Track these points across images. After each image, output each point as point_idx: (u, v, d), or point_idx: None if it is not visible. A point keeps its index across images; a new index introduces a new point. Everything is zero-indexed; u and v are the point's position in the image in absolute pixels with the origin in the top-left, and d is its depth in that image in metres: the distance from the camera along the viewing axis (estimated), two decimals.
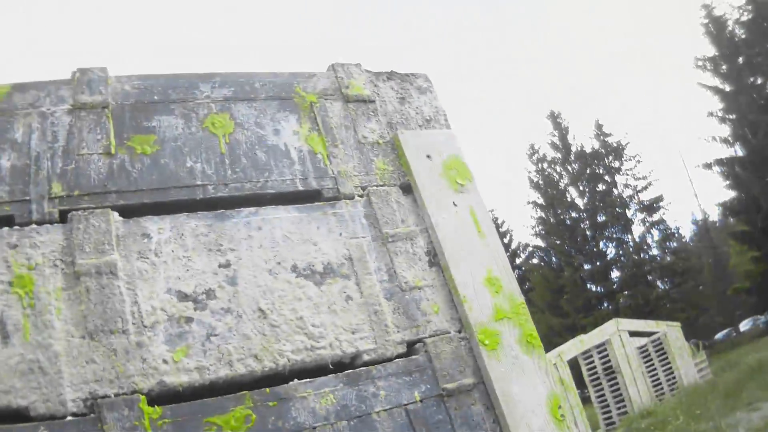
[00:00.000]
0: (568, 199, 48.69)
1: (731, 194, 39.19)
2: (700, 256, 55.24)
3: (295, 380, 2.08)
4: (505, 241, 53.88)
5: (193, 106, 2.39)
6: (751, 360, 21.67)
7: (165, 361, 1.96)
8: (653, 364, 22.63)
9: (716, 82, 39.21)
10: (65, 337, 1.90)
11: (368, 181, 2.51)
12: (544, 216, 49.50)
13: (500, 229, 53.73)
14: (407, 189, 2.55)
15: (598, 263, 46.51)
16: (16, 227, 2.00)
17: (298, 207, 2.36)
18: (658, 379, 22.46)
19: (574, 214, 48.29)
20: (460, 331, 2.37)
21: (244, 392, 1.99)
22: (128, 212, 2.14)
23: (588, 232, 47.62)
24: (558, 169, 49.92)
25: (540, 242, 50.64)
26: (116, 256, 2.03)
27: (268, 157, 2.40)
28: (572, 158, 49.27)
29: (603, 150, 48.85)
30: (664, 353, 22.56)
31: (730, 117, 38.44)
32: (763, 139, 36.41)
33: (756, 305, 40.78)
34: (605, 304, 45.34)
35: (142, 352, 1.95)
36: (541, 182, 49.89)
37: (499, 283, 2.45)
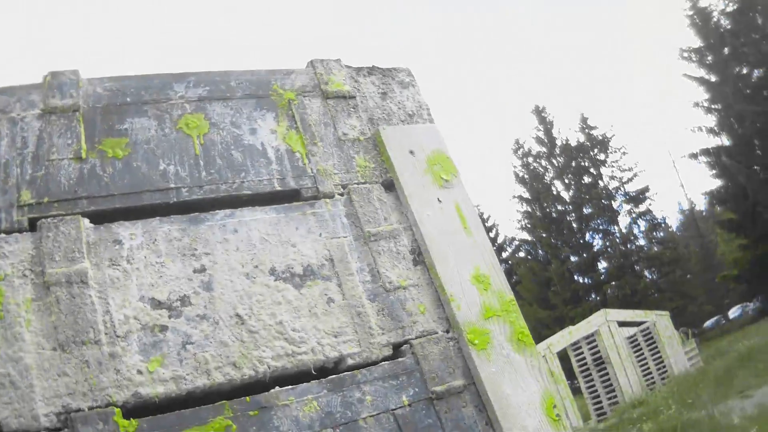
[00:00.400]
0: (554, 193, 48.79)
1: (718, 183, 39.30)
2: (688, 245, 55.51)
3: (277, 387, 2.01)
4: (491, 235, 53.92)
5: (167, 106, 2.32)
6: (741, 347, 21.73)
7: (140, 372, 1.90)
8: (643, 354, 22.65)
9: (702, 72, 39.30)
10: (36, 349, 1.84)
11: (349, 179, 2.44)
12: (530, 210, 49.58)
13: (486, 224, 53.81)
14: (390, 186, 2.49)
15: (584, 255, 46.63)
16: None
17: (276, 207, 2.29)
18: (649, 368, 22.49)
19: (560, 207, 48.40)
20: (448, 331, 2.30)
21: (223, 402, 1.93)
22: (100, 218, 2.08)
23: (574, 225, 47.76)
24: (543, 163, 49.99)
25: (526, 236, 50.65)
26: (87, 264, 1.97)
27: (245, 157, 2.33)
28: (557, 152, 49.35)
29: (588, 143, 48.94)
30: (654, 342, 22.59)
31: (716, 107, 38.52)
32: (749, 128, 36.53)
33: (745, 292, 41.01)
34: (593, 296, 45.51)
35: (116, 363, 1.89)
36: (526, 176, 49.95)
37: (487, 280, 2.39)
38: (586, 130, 49.38)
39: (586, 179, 48.11)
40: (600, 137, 48.94)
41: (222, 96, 2.43)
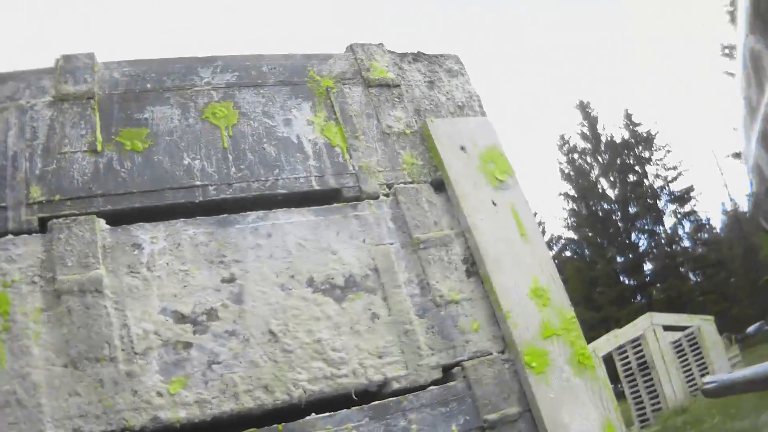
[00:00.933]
0: (599, 191, 48.38)
1: None
2: (732, 246, 54.65)
3: (313, 414, 1.79)
4: None
5: (192, 94, 2.11)
6: None
7: (159, 394, 1.71)
8: (687, 360, 22.26)
9: None
10: (45, 365, 1.66)
11: (395, 178, 2.21)
12: (575, 207, 49.22)
13: None
14: (440, 186, 2.25)
15: (630, 255, 46.22)
16: None
17: (314, 209, 2.07)
18: (692, 374, 22.07)
19: (605, 206, 48.04)
20: (503, 352, 2.06)
21: (252, 429, 1.71)
22: (116, 219, 1.88)
23: (620, 224, 47.34)
24: (588, 159, 49.63)
25: (572, 234, 50.30)
26: (102, 270, 1.77)
27: (278, 151, 2.11)
28: (602, 148, 48.98)
29: (633, 140, 48.52)
30: (698, 348, 22.18)
31: None
32: None
33: None
34: (638, 297, 45.02)
35: (133, 383, 1.70)
36: (572, 173, 49.59)
37: (546, 294, 2.14)
38: (631, 127, 48.94)
39: (632, 177, 47.68)
40: (644, 134, 48.47)
41: (253, 83, 2.21)
